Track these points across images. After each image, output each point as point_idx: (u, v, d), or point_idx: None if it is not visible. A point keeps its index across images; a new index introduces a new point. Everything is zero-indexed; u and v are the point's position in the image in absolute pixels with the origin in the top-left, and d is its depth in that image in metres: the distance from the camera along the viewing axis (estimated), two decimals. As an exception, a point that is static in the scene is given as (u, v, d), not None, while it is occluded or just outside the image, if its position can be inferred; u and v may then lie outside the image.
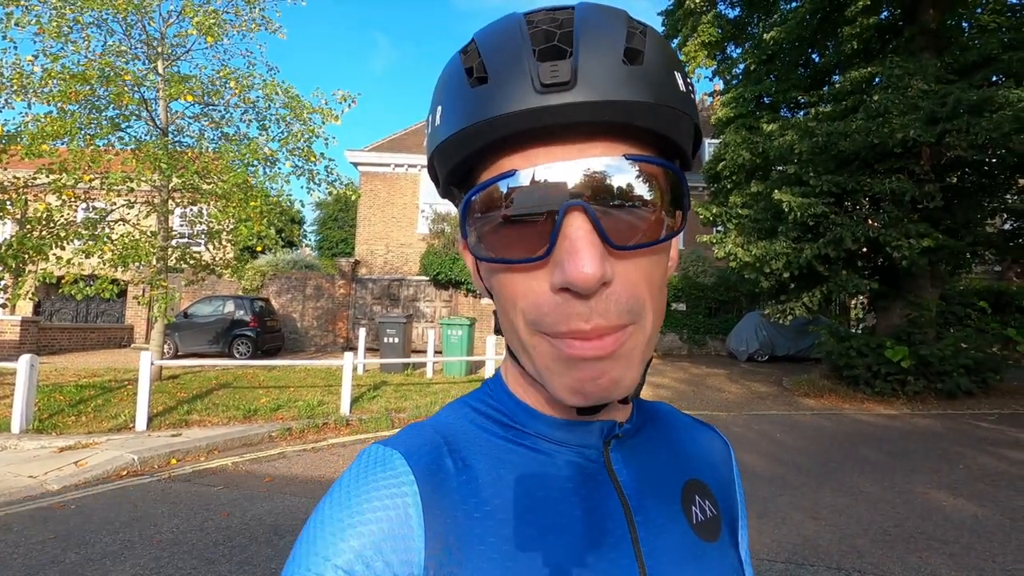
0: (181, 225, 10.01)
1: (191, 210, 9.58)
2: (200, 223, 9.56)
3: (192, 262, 9.35)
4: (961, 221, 9.25)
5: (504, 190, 0.38)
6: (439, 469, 0.45)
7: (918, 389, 9.03)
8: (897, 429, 7.37)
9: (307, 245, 32.62)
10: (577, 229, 0.36)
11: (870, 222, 9.11)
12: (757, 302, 16.04)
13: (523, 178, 0.37)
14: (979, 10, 10.27)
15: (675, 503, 0.49)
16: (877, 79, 9.36)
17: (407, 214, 17.44)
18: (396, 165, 17.49)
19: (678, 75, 0.40)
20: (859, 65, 9.83)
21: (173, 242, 9.25)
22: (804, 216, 8.83)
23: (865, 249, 9.64)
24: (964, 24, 10.77)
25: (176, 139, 9.20)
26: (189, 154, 8.59)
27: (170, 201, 8.84)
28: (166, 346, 12.73)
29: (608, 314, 0.37)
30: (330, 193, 9.79)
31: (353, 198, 9.57)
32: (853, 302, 14.63)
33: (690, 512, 0.49)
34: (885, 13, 10.49)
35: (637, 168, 0.38)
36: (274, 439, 6.31)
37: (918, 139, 8.21)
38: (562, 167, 0.37)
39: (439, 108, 0.41)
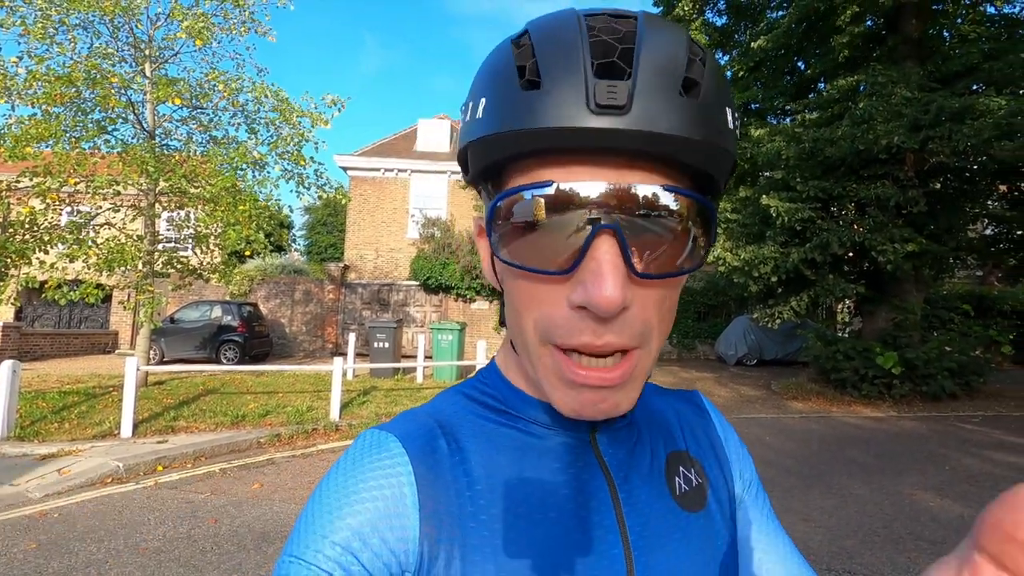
0: (168, 229, 9.86)
1: (178, 214, 9.47)
2: (187, 227, 9.45)
3: (179, 266, 9.24)
4: (944, 226, 9.42)
5: (539, 198, 0.38)
6: (433, 451, 0.46)
7: (904, 392, 9.15)
8: (884, 431, 7.46)
9: (296, 250, 32.39)
10: (605, 252, 0.37)
11: (856, 227, 9.24)
12: (745, 306, 16.20)
13: (559, 191, 0.37)
14: (959, 20, 10.50)
15: (659, 476, 0.50)
16: (862, 87, 9.52)
17: (397, 219, 17.39)
18: (386, 170, 17.44)
19: (728, 110, 0.40)
20: (844, 73, 9.99)
21: (160, 246, 9.13)
22: (791, 221, 8.94)
23: (851, 254, 9.78)
24: (945, 34, 11.01)
25: (163, 142, 9.10)
26: (176, 157, 8.51)
27: (157, 205, 8.73)
28: (152, 352, 12.56)
29: (622, 334, 0.38)
30: (320, 197, 9.73)
31: (344, 202, 9.52)
32: (840, 306, 14.79)
33: (674, 484, 0.50)
34: (869, 22, 10.68)
35: (673, 199, 0.38)
36: (263, 445, 6.23)
37: (902, 145, 8.37)
38: (599, 187, 0.37)
39: (483, 100, 0.41)
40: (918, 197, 8.82)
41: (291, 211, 10.59)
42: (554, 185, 0.38)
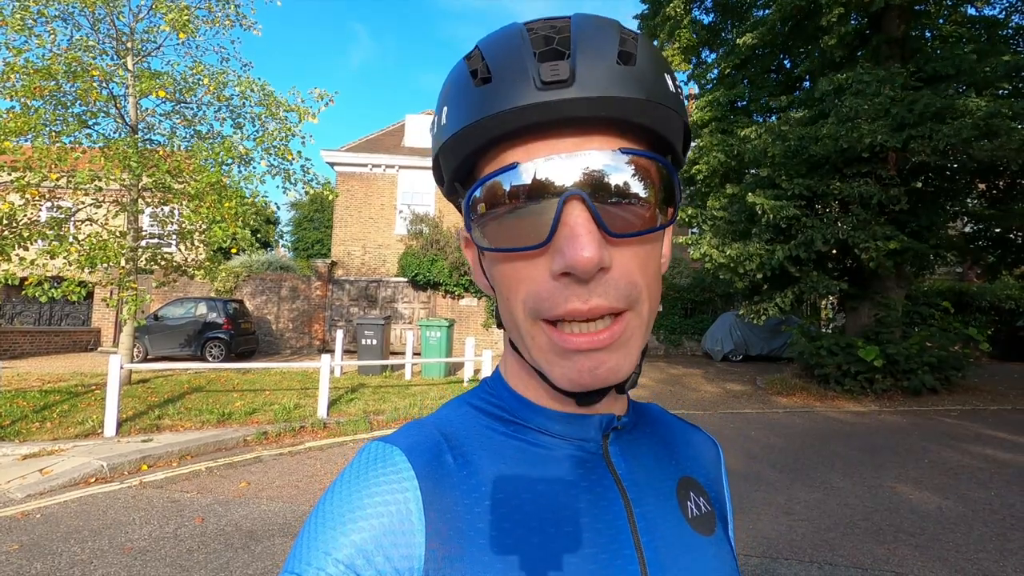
0: (151, 225, 9.73)
1: (162, 210, 9.34)
2: (172, 223, 9.33)
3: (163, 263, 9.12)
4: (925, 224, 9.58)
5: (506, 182, 0.40)
6: (439, 465, 0.45)
7: (886, 387, 9.32)
8: (866, 425, 7.59)
9: (283, 246, 32.08)
10: (576, 217, 0.38)
11: (839, 225, 9.37)
12: (732, 303, 16.37)
13: (524, 171, 0.39)
14: (941, 21, 10.66)
15: (671, 497, 0.50)
16: (849, 85, 9.64)
17: (384, 215, 17.29)
18: (373, 165, 17.33)
19: (668, 76, 0.43)
20: (829, 72, 10.10)
21: (143, 243, 9.00)
22: (777, 218, 9.03)
23: (835, 251, 9.91)
24: (927, 34, 11.17)
25: (147, 137, 8.97)
26: (160, 152, 8.38)
27: (140, 201, 8.61)
28: (136, 349, 12.36)
29: (607, 295, 0.39)
30: (307, 192, 9.65)
31: (331, 197, 9.46)
32: (824, 302, 15.02)
33: (686, 507, 0.50)
34: (853, 21, 10.80)
35: (631, 161, 0.40)
36: (249, 443, 6.19)
37: (885, 144, 8.49)
38: (561, 160, 0.39)
39: (444, 108, 0.44)
40: (900, 195, 8.96)
41: (277, 207, 10.44)
42: (519, 166, 0.40)
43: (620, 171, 0.40)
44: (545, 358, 0.42)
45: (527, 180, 0.39)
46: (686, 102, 0.47)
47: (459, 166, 0.44)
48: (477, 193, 0.42)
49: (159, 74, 8.33)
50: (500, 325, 0.49)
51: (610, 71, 0.39)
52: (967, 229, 11.53)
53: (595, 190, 0.39)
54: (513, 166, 0.40)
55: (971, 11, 10.77)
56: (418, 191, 17.42)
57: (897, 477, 5.28)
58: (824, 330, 12.49)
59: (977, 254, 11.24)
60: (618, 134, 0.41)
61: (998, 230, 10.70)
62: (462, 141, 0.42)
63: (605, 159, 0.39)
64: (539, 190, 0.39)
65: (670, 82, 0.43)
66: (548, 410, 0.49)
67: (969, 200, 10.77)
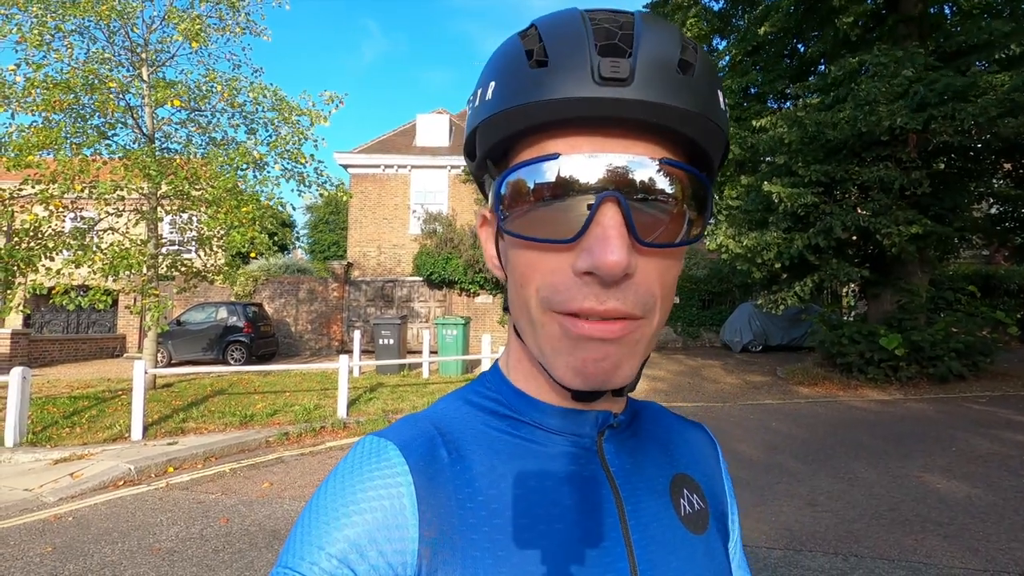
0: (171, 232, 9.92)
1: (181, 217, 9.51)
2: (191, 230, 9.49)
3: (183, 269, 9.29)
4: (948, 207, 9.34)
5: (544, 171, 0.39)
6: (433, 459, 0.45)
7: (911, 374, 9.12)
8: (891, 414, 7.45)
9: (299, 248, 32.48)
10: (610, 219, 0.38)
11: (859, 210, 9.18)
12: (750, 293, 16.14)
13: (565, 163, 0.39)
14: (961, -3, 10.35)
15: (664, 495, 0.50)
16: (864, 68, 9.41)
17: (399, 215, 17.39)
18: (386, 166, 17.43)
19: (720, 93, 0.42)
20: (845, 54, 9.88)
21: (163, 250, 9.18)
22: (794, 206, 8.88)
23: (855, 237, 9.71)
24: (947, 10, 10.86)
25: (164, 146, 9.13)
26: (178, 160, 8.53)
27: (159, 208, 8.78)
28: (160, 354, 12.64)
29: (625, 300, 0.39)
30: (321, 195, 9.75)
31: (345, 199, 9.54)
32: (845, 290, 14.73)
33: (678, 504, 0.50)
34: (869, 1, 10.55)
35: (672, 171, 0.40)
36: (271, 444, 6.29)
37: (905, 127, 8.28)
38: (604, 159, 0.38)
39: (492, 83, 0.43)
40: (922, 178, 8.74)
41: (293, 210, 10.55)
42: (560, 157, 0.39)
43: (659, 180, 0.39)
44: (552, 346, 0.42)
45: (566, 173, 0.39)
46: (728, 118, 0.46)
47: (496, 145, 0.43)
48: (512, 176, 0.41)
49: (174, 83, 8.48)
50: (506, 310, 0.49)
51: (670, 78, 0.38)
52: (993, 211, 11.20)
53: (632, 195, 0.38)
54: (554, 156, 0.39)
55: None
56: (431, 190, 17.48)
57: (924, 466, 5.17)
58: (846, 318, 12.26)
59: (1004, 236, 10.91)
60: (664, 142, 0.40)
61: (1026, 211, 10.38)
62: (506, 121, 0.41)
63: (647, 165, 0.39)
64: (576, 185, 0.39)
65: (721, 98, 0.42)
66: (545, 404, 0.49)
67: (995, 180, 10.46)
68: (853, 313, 13.32)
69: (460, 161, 17.42)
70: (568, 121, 0.39)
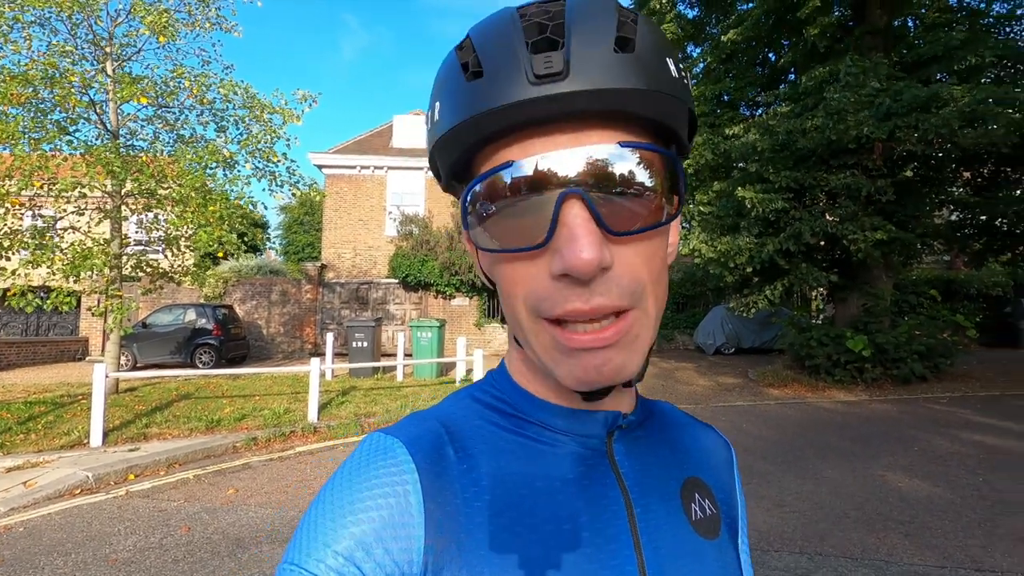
0: (136, 232, 9.62)
1: (147, 216, 9.23)
2: (157, 229, 9.22)
3: (149, 270, 9.02)
4: (911, 213, 9.64)
5: (503, 181, 0.39)
6: (440, 458, 0.45)
7: (876, 376, 9.37)
8: (856, 415, 7.63)
9: (271, 249, 31.89)
10: (575, 217, 0.37)
11: (827, 216, 9.40)
12: (722, 296, 16.40)
13: (521, 168, 0.38)
14: (924, 9, 10.72)
15: (675, 499, 0.49)
16: (836, 77, 9.66)
17: (374, 216, 17.21)
18: (362, 167, 17.24)
19: (670, 61, 0.41)
20: (813, 64, 10.14)
21: (128, 249, 8.90)
22: (765, 212, 9.05)
23: (823, 242, 9.95)
24: (910, 23, 11.23)
25: (129, 143, 8.86)
26: (143, 158, 8.28)
27: (123, 207, 8.50)
28: (124, 358, 12.28)
29: (609, 294, 0.38)
30: (293, 195, 9.58)
31: (318, 199, 9.41)
32: (814, 293, 15.08)
33: (689, 509, 0.49)
34: (836, 12, 10.84)
35: (632, 154, 0.38)
36: (238, 450, 6.13)
37: (871, 136, 8.51)
38: (558, 156, 0.37)
39: (437, 104, 0.42)
40: (886, 186, 9.00)
41: (265, 209, 10.33)
42: (514, 164, 0.38)
43: (620, 165, 0.38)
44: (550, 356, 0.41)
45: (522, 178, 0.38)
46: (690, 84, 0.44)
47: (454, 163, 0.43)
48: (472, 193, 0.41)
49: (140, 79, 8.22)
50: (504, 320, 0.48)
51: (607, 60, 0.37)
52: (953, 217, 11.60)
53: (595, 186, 0.37)
54: (508, 164, 0.38)
55: (952, 0, 10.84)
56: (407, 192, 17.35)
57: (887, 466, 5.30)
58: (814, 321, 12.55)
59: (963, 242, 11.30)
60: (618, 126, 0.39)
61: (983, 218, 10.76)
62: (455, 139, 0.41)
63: (604, 153, 0.38)
64: (536, 188, 0.38)
65: (672, 66, 0.41)
66: (552, 405, 0.48)
67: (954, 189, 10.84)
68: (822, 316, 13.65)
69: (437, 163, 17.31)
70: (515, 126, 0.38)
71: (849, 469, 5.21)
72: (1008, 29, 10.87)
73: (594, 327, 0.39)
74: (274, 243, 32.61)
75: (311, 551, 0.39)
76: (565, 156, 0.37)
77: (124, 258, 8.64)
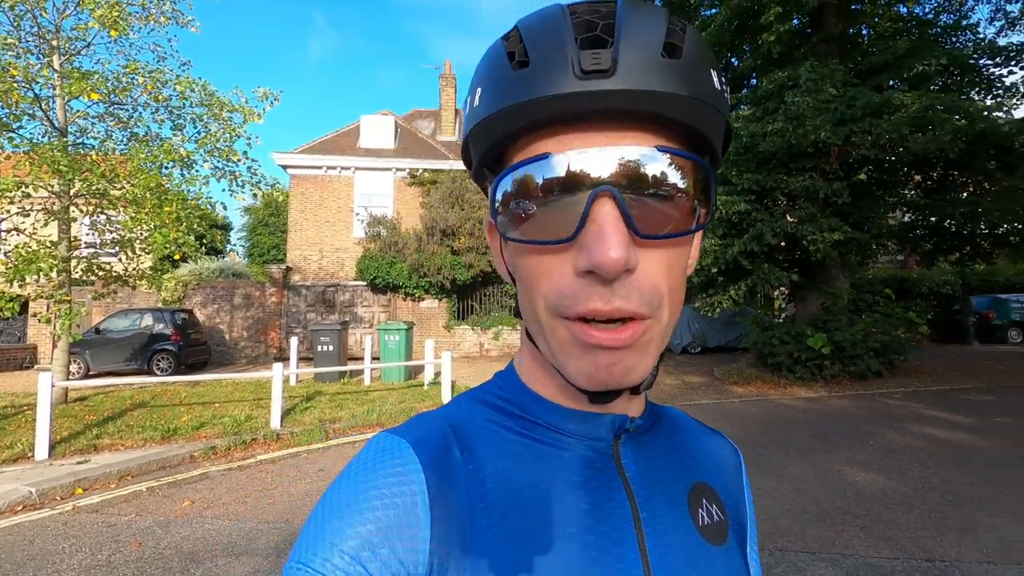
0: (88, 233, 9.21)
1: (100, 217, 8.84)
2: (110, 231, 8.84)
3: (101, 274, 8.64)
4: (866, 215, 9.99)
5: (536, 173, 0.39)
6: (446, 459, 0.45)
7: (834, 372, 9.67)
8: (816, 411, 7.85)
9: (232, 251, 31.02)
10: (605, 215, 0.37)
11: (788, 218, 9.66)
12: (688, 297, 16.69)
13: (556, 162, 0.38)
14: (876, 19, 11.13)
15: (682, 504, 0.49)
16: (792, 82, 9.94)
17: (342, 218, 16.92)
18: (328, 167, 16.93)
19: (714, 72, 0.41)
20: (773, 70, 10.41)
21: (78, 252, 8.51)
22: (729, 213, 9.24)
23: (784, 243, 10.22)
24: (864, 32, 11.65)
25: (79, 140, 8.48)
26: (93, 156, 7.93)
27: (73, 208, 8.12)
28: (75, 365, 11.76)
29: (629, 298, 0.38)
30: (255, 195, 9.32)
31: (280, 199, 9.17)
32: (777, 293, 15.50)
33: (696, 514, 0.49)
34: (796, 21, 11.17)
35: (667, 160, 0.39)
36: (196, 459, 5.92)
37: (828, 140, 8.78)
38: (595, 153, 0.38)
39: (478, 90, 0.43)
40: (843, 189, 9.30)
41: (224, 209, 10.02)
42: (550, 156, 0.38)
43: (655, 168, 0.38)
44: (564, 351, 0.41)
45: (558, 172, 0.38)
46: (727, 99, 0.44)
47: (488, 151, 0.43)
48: (505, 181, 0.41)
49: (90, 74, 7.86)
50: (518, 315, 0.48)
51: (653, 63, 0.38)
52: (906, 219, 12.08)
53: (627, 187, 0.38)
54: (544, 156, 0.39)
55: (903, 10, 11.29)
56: (375, 193, 17.12)
57: (845, 460, 5.45)
58: (777, 320, 12.88)
59: (915, 242, 11.78)
60: (656, 130, 0.39)
61: (933, 219, 11.24)
62: (493, 126, 0.41)
63: (640, 155, 0.38)
64: (569, 183, 0.38)
65: (715, 78, 0.41)
66: (560, 407, 0.48)
67: (906, 191, 11.29)
68: (783, 315, 14.02)
69: (405, 164, 17.15)
70: (555, 119, 0.38)
71: (809, 465, 5.34)
72: (954, 39, 11.39)
73: (611, 327, 0.39)
74: (234, 245, 31.74)
75: (318, 550, 0.39)
76: (601, 154, 0.38)
77: (74, 261, 8.25)
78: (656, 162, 0.38)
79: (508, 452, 0.46)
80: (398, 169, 17.15)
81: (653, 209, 0.38)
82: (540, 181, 0.39)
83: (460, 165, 17.29)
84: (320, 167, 16.92)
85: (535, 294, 0.42)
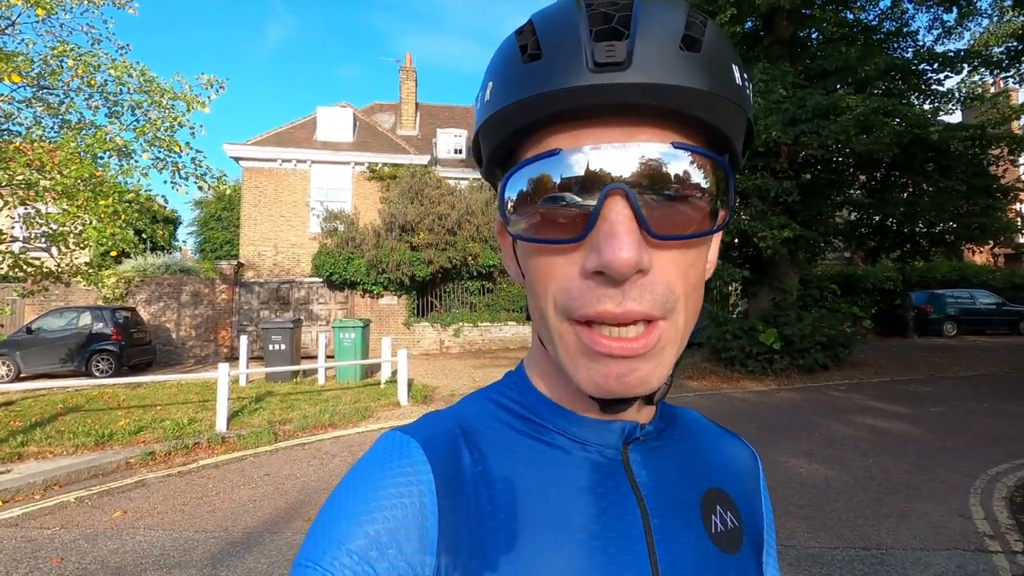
0: (14, 226, 8.60)
1: (28, 210, 8.26)
2: (39, 223, 8.26)
3: (31, 269, 8.08)
4: (814, 213, 10.33)
5: (546, 169, 0.38)
6: (455, 460, 0.44)
7: (783, 366, 9.98)
8: (765, 404, 8.07)
9: (178, 246, 29.77)
10: (617, 213, 0.36)
11: (740, 215, 9.90)
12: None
13: (567, 159, 0.37)
14: (825, 24, 11.52)
15: (694, 510, 0.48)
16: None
17: (297, 212, 16.44)
18: (283, 160, 16.41)
19: (735, 67, 0.40)
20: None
21: (2, 246, 7.93)
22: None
23: (736, 240, 10.47)
24: (813, 36, 12.03)
25: (4, 127, 7.89)
26: (16, 144, 7.39)
27: (-3, 199, 7.55)
28: (4, 368, 11.05)
29: (642, 300, 0.37)
30: (200, 188, 8.90)
31: (227, 192, 8.79)
32: (731, 288, 15.91)
33: (709, 521, 0.48)
34: (749, 24, 11.44)
35: (684, 157, 0.37)
36: (132, 466, 5.60)
37: (778, 140, 9.03)
38: (608, 150, 0.36)
39: (490, 84, 0.41)
40: (792, 187, 9.59)
41: (166, 202, 9.50)
42: (561, 152, 0.37)
43: (671, 167, 0.37)
44: (572, 359, 0.40)
45: (569, 169, 0.37)
46: (751, 95, 0.42)
47: (499, 147, 0.42)
48: (514, 178, 0.40)
49: (14, 55, 7.31)
50: (529, 317, 0.47)
51: (672, 56, 0.36)
52: (852, 217, 12.57)
53: (641, 186, 0.36)
54: (555, 152, 0.37)
55: (849, 16, 11.72)
56: (333, 187, 16.69)
57: (791, 452, 5.61)
58: (730, 315, 13.21)
59: (860, 240, 12.28)
60: (673, 127, 0.38)
61: (877, 218, 11.74)
62: (503, 121, 0.40)
63: (655, 153, 0.36)
64: (580, 181, 0.37)
65: (737, 73, 0.40)
66: (570, 412, 0.47)
67: (852, 191, 11.74)
68: (736, 311, 14.41)
69: (364, 158, 16.78)
70: (567, 113, 0.37)
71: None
72: (896, 45, 11.90)
73: (623, 332, 0.38)
74: (185, 241, 30.47)
75: (326, 548, 0.39)
76: (614, 151, 0.36)
77: (0, 256, 7.69)
78: (672, 160, 0.37)
79: (517, 454, 0.46)
80: (357, 163, 16.77)
81: (668, 209, 0.37)
82: (550, 178, 0.38)
83: (420, 160, 17.06)
84: (275, 160, 16.39)
85: (544, 296, 0.41)
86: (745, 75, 0.41)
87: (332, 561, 0.38)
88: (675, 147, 0.37)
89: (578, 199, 0.37)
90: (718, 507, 0.50)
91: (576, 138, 0.38)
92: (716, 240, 0.46)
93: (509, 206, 0.41)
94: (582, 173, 0.37)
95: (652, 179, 0.36)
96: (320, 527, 0.41)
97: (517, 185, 0.40)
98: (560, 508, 0.43)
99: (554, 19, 0.39)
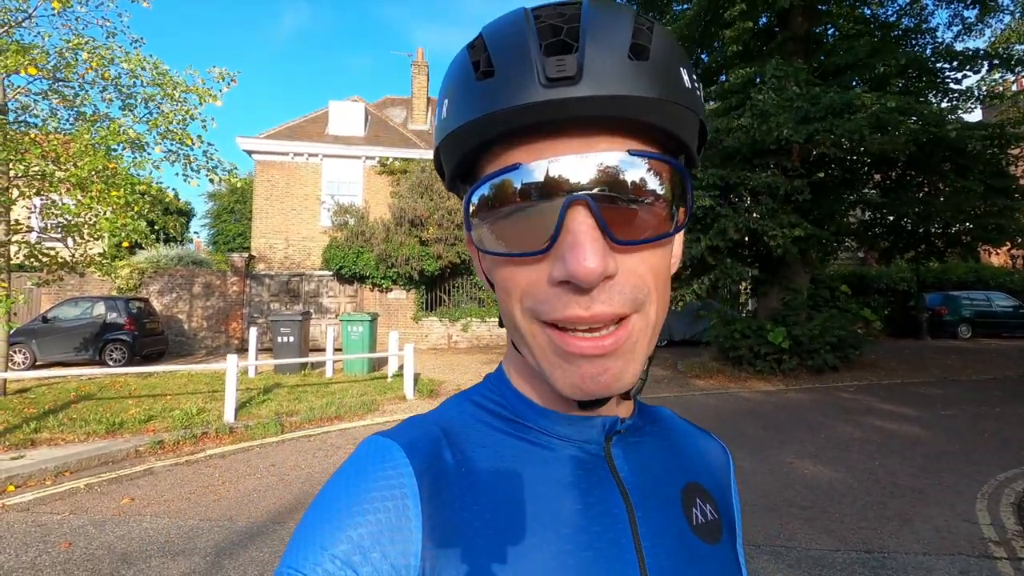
0: (30, 217, 8.75)
1: (44, 200, 8.40)
2: (55, 215, 8.40)
3: (45, 260, 8.22)
4: (826, 212, 10.19)
5: (508, 184, 0.38)
6: (438, 461, 0.45)
7: (792, 366, 9.88)
8: (773, 404, 8.00)
9: (190, 238, 30.12)
10: (580, 224, 0.37)
11: (750, 214, 9.80)
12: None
13: (527, 172, 0.38)
14: (841, 20, 11.33)
15: (675, 503, 0.49)
16: (757, 79, 10.03)
17: (308, 206, 16.53)
18: (295, 154, 16.50)
19: (684, 71, 0.41)
20: (740, 66, 10.51)
21: (19, 236, 8.07)
22: (695, 209, 9.31)
23: (746, 238, 10.37)
24: (829, 32, 11.85)
25: (21, 119, 8.02)
26: (32, 136, 7.50)
27: (12, 190, 7.69)
28: (21, 355, 11.26)
29: (611, 302, 0.38)
30: (211, 181, 8.99)
31: (238, 184, 8.88)
32: (742, 287, 15.79)
33: (691, 513, 0.49)
34: (764, 20, 11.28)
35: (641, 163, 0.38)
36: (141, 454, 5.69)
37: (791, 138, 8.91)
38: (566, 161, 0.37)
39: (446, 101, 0.42)
40: (803, 186, 9.46)
41: (177, 196, 9.63)
42: (521, 167, 0.38)
43: (628, 174, 0.38)
44: (547, 360, 0.41)
45: (529, 182, 0.38)
46: (701, 96, 0.43)
47: (459, 163, 0.43)
48: (476, 194, 0.40)
49: (30, 47, 7.43)
50: (503, 324, 0.48)
51: (621, 67, 0.37)
52: (865, 217, 12.39)
53: (601, 194, 0.37)
54: (515, 167, 0.38)
55: (867, 12, 11.52)
56: (344, 181, 16.77)
57: (796, 453, 5.56)
58: (739, 315, 13.11)
59: (873, 240, 12.10)
60: (628, 134, 0.39)
61: (891, 218, 11.55)
62: (462, 138, 0.40)
63: (612, 161, 0.37)
64: (541, 193, 0.37)
65: (686, 77, 0.41)
66: (550, 411, 0.48)
67: (866, 190, 11.57)
68: (745, 310, 14.28)
69: (375, 152, 16.83)
70: (524, 129, 0.38)
71: (761, 457, 5.43)
72: (914, 42, 11.68)
73: (594, 334, 0.38)
74: (199, 233, 30.81)
75: (309, 554, 0.39)
76: (573, 162, 0.37)
77: (15, 247, 7.84)
78: (629, 167, 0.38)
79: (500, 454, 0.46)
80: (368, 157, 16.82)
81: (629, 214, 0.38)
82: (512, 192, 0.38)
83: (431, 154, 17.07)
84: (287, 153, 16.49)
85: (511, 302, 0.42)
86: (694, 77, 0.42)
87: (314, 568, 0.38)
88: (631, 154, 0.38)
89: (540, 211, 0.38)
90: (697, 500, 0.51)
91: (535, 151, 0.38)
92: (679, 237, 0.47)
93: (473, 221, 0.41)
94: (542, 185, 0.37)
95: (611, 187, 0.37)
96: (302, 534, 0.41)
97: (479, 200, 0.40)
98: (546, 504, 0.44)
99: (504, 33, 0.40)
